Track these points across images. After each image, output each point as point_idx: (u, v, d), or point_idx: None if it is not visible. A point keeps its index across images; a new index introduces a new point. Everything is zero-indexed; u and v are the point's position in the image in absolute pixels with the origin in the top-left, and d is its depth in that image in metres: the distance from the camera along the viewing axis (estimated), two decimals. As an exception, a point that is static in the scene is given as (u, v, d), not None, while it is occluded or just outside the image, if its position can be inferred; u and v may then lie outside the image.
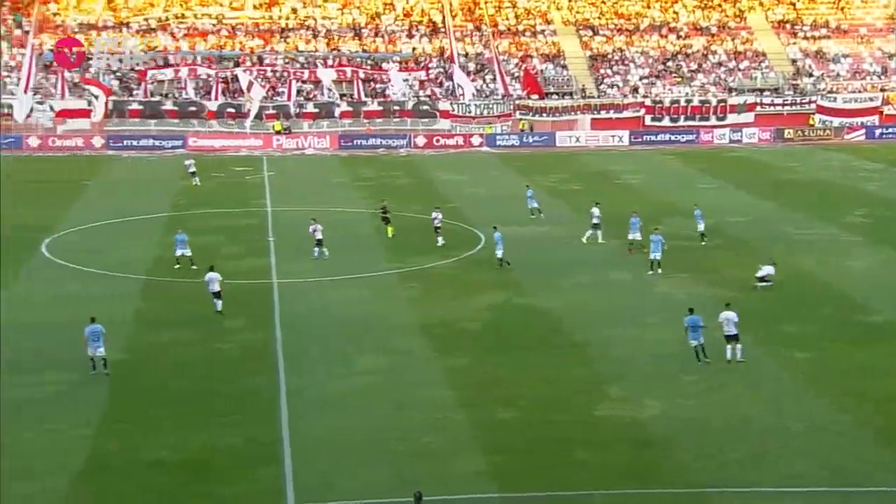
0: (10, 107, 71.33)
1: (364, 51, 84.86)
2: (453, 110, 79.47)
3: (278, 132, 75.39)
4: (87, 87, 74.27)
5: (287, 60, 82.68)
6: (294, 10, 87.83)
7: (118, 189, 57.01)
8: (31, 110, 71.30)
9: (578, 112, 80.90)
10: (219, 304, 33.31)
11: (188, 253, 38.63)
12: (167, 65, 79.69)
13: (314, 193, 56.96)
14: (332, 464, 22.42)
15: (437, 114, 79.38)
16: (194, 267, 37.91)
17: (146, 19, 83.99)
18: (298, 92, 79.38)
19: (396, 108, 79.32)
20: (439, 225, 43.72)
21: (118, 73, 78.75)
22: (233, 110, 76.67)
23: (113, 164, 67.41)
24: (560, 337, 31.74)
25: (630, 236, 41.47)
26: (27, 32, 77.82)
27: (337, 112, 78.14)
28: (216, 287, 33.41)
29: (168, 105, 76.13)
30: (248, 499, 20.84)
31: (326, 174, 64.89)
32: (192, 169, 58.88)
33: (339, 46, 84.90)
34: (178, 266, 38.46)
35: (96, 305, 32.68)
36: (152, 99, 76.37)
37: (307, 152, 74.53)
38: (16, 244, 42.24)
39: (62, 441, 23.33)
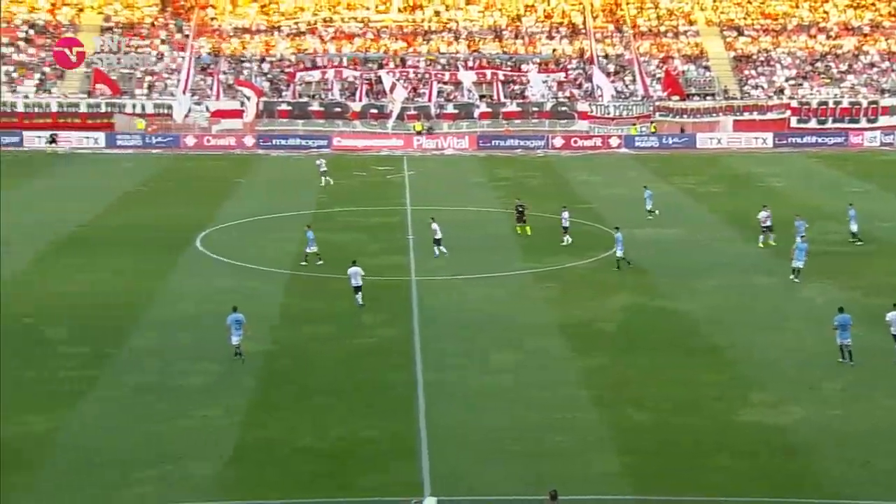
0: (170, 107, 74.34)
1: (504, 52, 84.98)
2: (592, 111, 78.76)
3: (419, 132, 76.24)
4: (240, 88, 76.78)
5: (429, 62, 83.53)
6: (437, 13, 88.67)
7: (267, 187, 58.67)
8: (189, 111, 74.15)
9: (720, 113, 79.02)
10: (359, 297, 33.93)
11: (314, 249, 39.30)
12: (315, 67, 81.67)
13: (452, 193, 57.34)
14: (467, 459, 22.54)
15: (576, 115, 78.82)
16: (320, 262, 38.79)
17: (296, 23, 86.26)
18: (439, 93, 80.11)
19: (535, 109, 79.14)
20: (567, 225, 43.53)
21: (269, 75, 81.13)
22: (376, 111, 77.96)
23: (263, 162, 69.46)
24: (696, 340, 31.06)
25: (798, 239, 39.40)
26: (187, 36, 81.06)
27: (476, 113, 78.50)
28: (358, 281, 34.04)
29: (315, 106, 77.98)
30: (386, 490, 21.13)
31: (465, 174, 65.24)
32: (323, 168, 59.83)
33: (480, 48, 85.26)
34: (304, 263, 39.24)
35: (245, 299, 33.85)
36: (300, 100, 78.38)
37: (446, 152, 75.11)
38: (172, 238, 43.98)
39: (213, 428, 24.16)
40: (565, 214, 44.09)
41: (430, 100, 78.92)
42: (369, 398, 26.11)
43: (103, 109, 75.01)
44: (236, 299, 32.69)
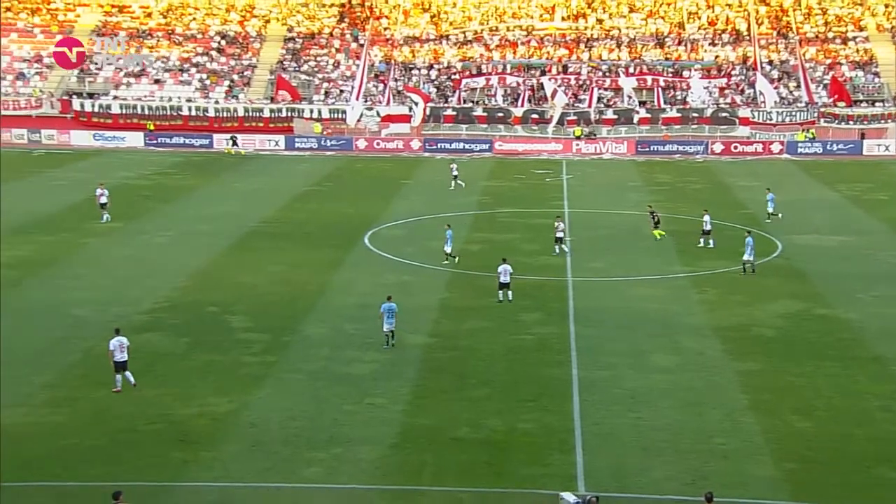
0: (344, 112, 76.29)
1: (666, 59, 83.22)
2: (753, 117, 76.10)
3: (578, 137, 75.52)
4: (408, 94, 78.03)
5: (590, 69, 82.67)
6: (599, 21, 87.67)
7: (432, 188, 59.35)
8: (361, 115, 75.89)
9: (889, 120, 74.85)
10: (505, 294, 34.06)
11: (449, 249, 39.47)
12: (479, 73, 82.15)
13: (610, 196, 56.51)
14: (622, 457, 22.11)
15: (737, 121, 76.33)
16: (455, 260, 39.14)
17: (463, 32, 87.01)
18: (599, 99, 79.14)
19: (695, 114, 77.12)
20: (709, 228, 42.56)
21: (436, 82, 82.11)
22: (537, 116, 77.71)
23: (428, 164, 70.34)
24: (860, 349, 29.47)
25: None
26: (362, 46, 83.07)
27: (636, 118, 77.14)
28: (506, 279, 34.08)
29: (478, 111, 78.41)
30: (541, 481, 20.95)
31: (622, 178, 64.18)
32: (455, 172, 59.83)
33: (642, 55, 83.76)
34: (446, 262, 39.39)
35: (407, 293, 34.36)
36: (464, 105, 78.98)
37: (605, 157, 74.10)
38: (343, 235, 45.07)
39: (377, 414, 24.56)
40: (706, 218, 43.05)
41: (590, 105, 78.09)
42: (525, 392, 25.97)
43: (284, 114, 77.70)
44: (399, 293, 33.22)
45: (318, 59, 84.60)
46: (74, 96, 78.63)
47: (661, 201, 54.13)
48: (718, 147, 74.08)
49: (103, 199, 47.23)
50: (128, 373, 25.75)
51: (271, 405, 25.04)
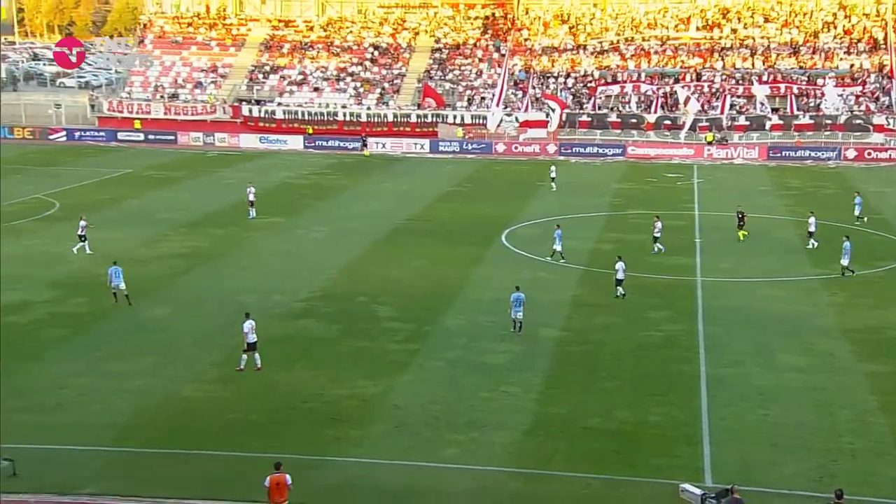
0: (485, 118, 76.51)
1: (800, 67, 79.86)
2: (888, 125, 72.11)
3: (710, 143, 73.38)
4: (546, 101, 77.57)
5: (724, 77, 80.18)
6: (734, 31, 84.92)
7: (566, 190, 58.87)
8: (501, 121, 75.91)
9: None
10: (619, 290, 33.78)
11: (559, 248, 39.06)
12: (614, 81, 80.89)
13: (740, 200, 54.62)
14: (750, 452, 21.41)
15: (871, 128, 72.51)
16: (561, 260, 38.83)
17: (600, 42, 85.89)
18: (731, 106, 76.65)
19: (828, 121, 73.71)
20: (813, 230, 41.41)
21: (572, 90, 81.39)
22: (669, 122, 75.94)
23: (563, 167, 69.75)
24: None
25: None
26: (503, 55, 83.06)
27: (768, 125, 74.35)
28: (621, 275, 33.81)
29: (612, 117, 77.23)
30: (668, 472, 20.52)
31: (753, 182, 62.00)
32: (553, 175, 59.25)
33: (776, 63, 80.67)
34: (551, 258, 39.07)
35: (540, 289, 34.24)
36: (599, 112, 77.94)
37: (736, 162, 71.73)
38: (482, 233, 45.23)
39: (512, 401, 24.57)
40: (812, 220, 41.77)
41: (722, 112, 75.74)
42: (654, 386, 25.47)
43: (429, 119, 78.55)
44: (533, 289, 33.17)
45: (463, 68, 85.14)
46: (244, 103, 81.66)
47: (791, 205, 52.09)
48: (851, 153, 70.60)
49: (251, 197, 48.77)
50: (256, 354, 26.44)
51: (414, 389, 25.39)
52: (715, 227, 46.20)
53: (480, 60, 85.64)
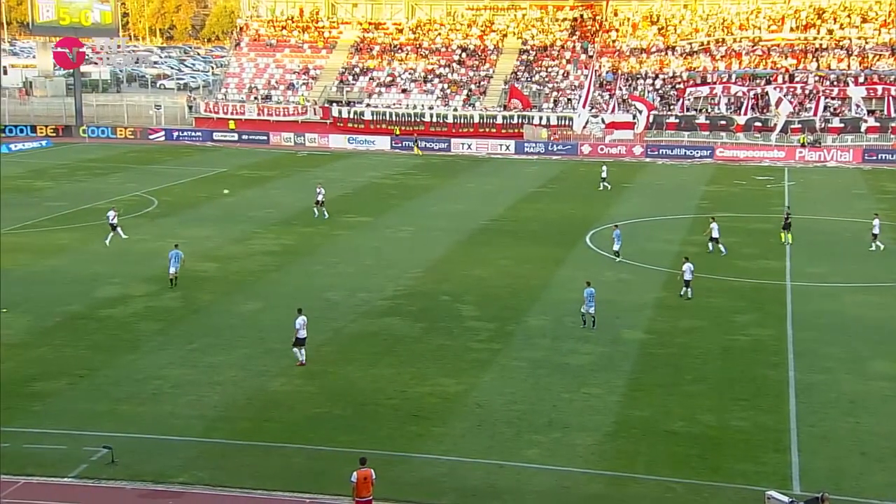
0: (571, 119, 75.89)
1: (898, 68, 76.95)
2: None
3: (802, 145, 71.29)
4: (633, 102, 76.50)
5: (818, 78, 77.79)
6: (830, 31, 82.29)
7: (653, 192, 58.00)
8: (587, 122, 75.16)
9: None
10: (688, 291, 33.54)
11: (617, 247, 38.77)
12: (704, 83, 79.30)
13: (833, 203, 53.03)
14: (840, 459, 20.75)
15: (973, 129, 69.39)
16: (617, 259, 38.66)
17: (690, 43, 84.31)
18: (825, 108, 74.29)
19: (928, 123, 70.81)
20: (877, 232, 40.82)
21: (660, 91, 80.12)
22: (759, 124, 74.07)
23: (649, 169, 68.81)
24: None
25: None
26: (591, 57, 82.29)
27: (863, 127, 71.82)
28: (689, 276, 33.55)
29: (701, 119, 75.72)
30: (754, 478, 20.02)
31: (847, 186, 60.00)
32: (605, 175, 58.68)
33: (873, 65, 77.86)
34: (618, 258, 38.84)
35: (624, 291, 33.82)
36: (688, 113, 76.51)
37: (829, 164, 69.53)
38: (566, 234, 44.88)
39: (594, 403, 24.32)
40: (876, 222, 41.05)
41: (815, 114, 73.46)
42: (741, 391, 24.88)
43: (515, 121, 78.36)
44: (617, 291, 32.78)
45: (549, 69, 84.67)
46: (334, 104, 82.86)
47: (887, 210, 50.18)
48: (952, 155, 67.71)
49: (320, 197, 49.10)
50: (303, 349, 26.86)
51: (495, 389, 25.35)
52: (807, 230, 44.88)
53: (567, 62, 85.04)
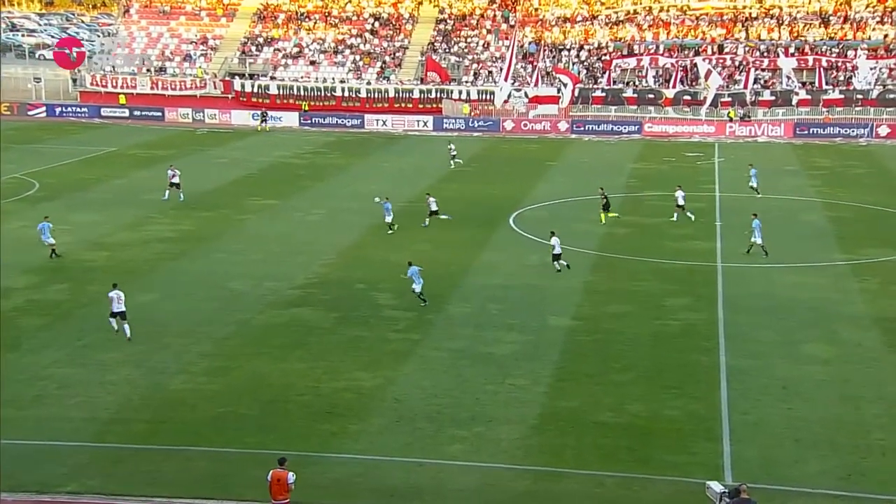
0: (492, 93, 76.25)
1: (830, 38, 79.41)
2: (924, 99, 71.76)
3: (732, 119, 73.13)
4: (557, 75, 77.30)
5: (747, 49, 79.81)
6: (759, 0, 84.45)
7: (577, 170, 58.75)
8: (509, 96, 75.67)
9: None
10: (557, 265, 34.86)
11: (757, 240, 37.95)
12: (631, 54, 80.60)
13: (764, 180, 54.43)
14: (773, 448, 21.39)
15: (905, 103, 72.14)
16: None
17: (616, 12, 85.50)
18: (756, 80, 76.32)
19: (860, 96, 73.41)
20: (682, 203, 43.67)
21: (585, 63, 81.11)
22: (689, 98, 75.68)
23: (575, 146, 69.65)
24: None
25: None
26: (512, 26, 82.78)
27: (795, 100, 74.04)
28: (557, 250, 35.24)
29: (628, 92, 76.98)
30: (686, 469, 20.51)
31: (778, 161, 61.79)
32: (454, 153, 59.54)
33: (803, 34, 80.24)
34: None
35: (551, 275, 34.21)
36: (614, 87, 77.69)
37: (760, 139, 71.53)
38: (488, 215, 45.16)
39: (520, 395, 24.56)
40: (679, 193, 43.99)
41: (745, 87, 75.44)
42: (670, 378, 25.44)
43: (433, 95, 78.37)
44: (543, 276, 33.12)
45: (469, 40, 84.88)
46: (236, 77, 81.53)
47: (819, 186, 51.90)
48: (884, 130, 70.35)
49: (175, 180, 48.02)
50: (126, 325, 28.08)
51: (415, 382, 25.40)
52: (738, 209, 46.06)
53: (488, 32, 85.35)
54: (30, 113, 78.64)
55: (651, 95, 76.29)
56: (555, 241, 35.61)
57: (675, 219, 43.44)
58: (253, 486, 19.22)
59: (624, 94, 76.79)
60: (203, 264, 36.58)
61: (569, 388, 24.98)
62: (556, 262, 35.31)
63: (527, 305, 31.63)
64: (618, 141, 71.02)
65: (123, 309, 28.28)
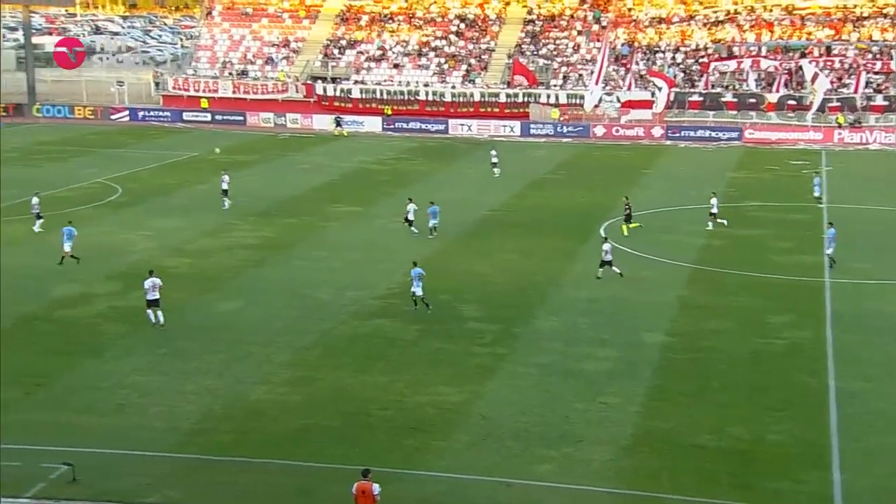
0: (582, 97, 75.85)
1: (948, 38, 76.98)
2: None
3: (841, 125, 71.36)
4: (651, 79, 76.56)
5: (858, 51, 77.84)
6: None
7: (672, 178, 57.99)
8: (600, 101, 75.21)
9: None
10: (601, 272, 34.77)
11: (828, 251, 37.50)
12: (731, 56, 79.38)
13: (877, 191, 53.06)
14: (888, 478, 20.79)
15: None
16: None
17: (715, 12, 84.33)
18: (867, 83, 74.38)
19: (981, 101, 70.93)
20: (715, 211, 43.75)
21: (682, 66, 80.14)
22: (793, 102, 74.15)
23: (670, 153, 68.81)
24: None
25: None
26: (604, 27, 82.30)
27: (909, 105, 71.96)
28: (608, 257, 35.26)
29: (728, 97, 75.77)
30: (791, 498, 20.07)
31: (892, 171, 60.03)
32: (495, 160, 58.34)
33: (919, 34, 78.01)
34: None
35: (643, 289, 33.86)
36: (712, 91, 76.56)
37: (871, 147, 69.62)
38: (578, 225, 44.88)
39: (611, 414, 24.32)
40: (714, 201, 43.98)
41: (856, 91, 73.55)
42: (774, 400, 24.92)
43: (520, 99, 78.32)
44: (636, 289, 32.80)
45: (558, 42, 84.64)
46: (318, 80, 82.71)
47: (937, 198, 50.29)
48: None
49: (224, 186, 48.49)
50: (159, 312, 30.07)
51: (501, 398, 25.36)
52: (847, 221, 44.88)
53: (578, 33, 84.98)
54: (113, 117, 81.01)
55: (752, 100, 74.97)
56: (606, 246, 35.76)
57: (710, 227, 43.34)
58: (335, 501, 19.39)
59: (723, 99, 75.61)
60: (285, 272, 37.17)
61: (664, 407, 24.65)
62: (600, 269, 35.45)
63: (618, 320, 31.35)
64: (716, 148, 69.93)
65: (157, 297, 30.05)
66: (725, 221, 43.72)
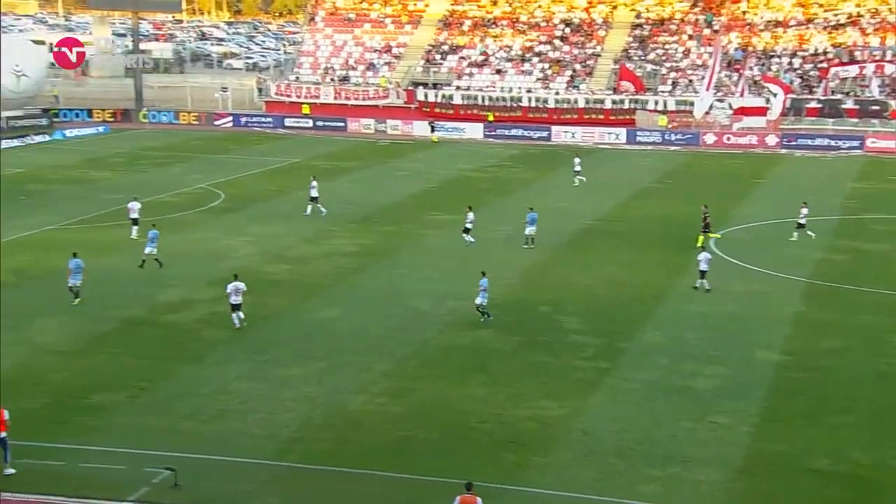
0: (692, 104, 74.66)
1: None
2: None
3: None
4: (766, 84, 74.94)
5: None
6: None
7: (788, 189, 56.62)
8: (711, 107, 73.91)
9: None
10: (700, 283, 33.89)
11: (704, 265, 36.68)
12: (852, 61, 77.16)
13: None
14: None
15: None
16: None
17: (835, 14, 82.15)
18: None
19: None
20: (803, 222, 42.82)
21: (799, 71, 78.28)
22: (919, 110, 71.68)
23: (785, 162, 67.22)
24: None
25: None
26: (716, 31, 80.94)
27: None
28: (705, 266, 34.81)
29: (848, 104, 73.68)
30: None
31: None
32: (578, 168, 57.30)
33: None
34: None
35: (756, 304, 33.13)
36: (832, 97, 74.55)
37: None
38: (686, 236, 44.00)
39: (722, 434, 23.86)
40: (804, 210, 42.99)
41: None
42: (898, 426, 24.06)
43: (626, 106, 77.56)
44: (747, 304, 32.16)
45: (667, 46, 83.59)
46: (419, 86, 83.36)
47: None
48: None
49: (314, 193, 48.64)
50: (240, 313, 31.19)
51: (604, 414, 25.12)
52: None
53: (689, 37, 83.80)
54: (216, 123, 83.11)
55: (875, 107, 72.83)
56: (703, 255, 35.38)
57: (795, 238, 42.49)
58: (433, 516, 19.48)
59: (843, 106, 73.56)
60: (384, 280, 37.52)
61: (779, 429, 24.07)
62: (700, 281, 35.24)
63: (729, 336, 30.74)
64: (835, 157, 68.10)
65: (240, 301, 31.05)
66: (813, 234, 42.65)
